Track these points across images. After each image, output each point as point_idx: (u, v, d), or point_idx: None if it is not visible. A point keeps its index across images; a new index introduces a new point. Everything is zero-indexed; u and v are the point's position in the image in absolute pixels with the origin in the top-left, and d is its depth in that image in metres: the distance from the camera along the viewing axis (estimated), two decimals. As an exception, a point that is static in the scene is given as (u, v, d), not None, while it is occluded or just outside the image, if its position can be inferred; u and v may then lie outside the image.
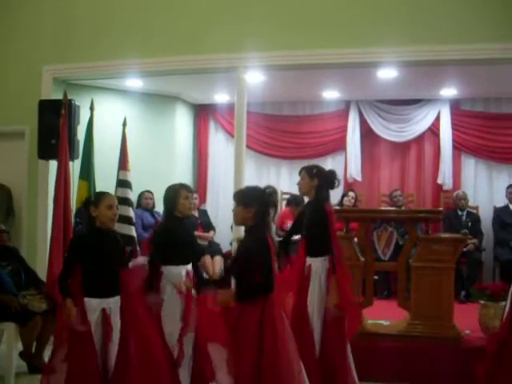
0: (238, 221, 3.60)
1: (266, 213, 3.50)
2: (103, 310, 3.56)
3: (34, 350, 5.26)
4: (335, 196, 8.02)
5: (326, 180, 4.47)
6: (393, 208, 7.56)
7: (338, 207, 7.35)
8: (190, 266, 4.20)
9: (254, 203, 3.45)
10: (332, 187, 4.51)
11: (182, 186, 4.28)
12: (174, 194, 4.24)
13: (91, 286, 3.57)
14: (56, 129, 5.92)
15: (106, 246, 3.67)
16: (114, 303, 3.61)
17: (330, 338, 4.26)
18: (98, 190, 5.76)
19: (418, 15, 5.73)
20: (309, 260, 4.41)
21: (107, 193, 3.90)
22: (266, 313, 3.35)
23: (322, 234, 4.31)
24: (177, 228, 4.20)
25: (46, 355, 5.22)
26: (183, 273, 4.13)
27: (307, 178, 4.48)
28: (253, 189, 3.61)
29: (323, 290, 4.32)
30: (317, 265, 4.35)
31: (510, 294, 3.91)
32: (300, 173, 4.57)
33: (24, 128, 6.57)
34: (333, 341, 4.26)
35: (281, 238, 7.76)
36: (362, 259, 5.49)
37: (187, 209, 4.26)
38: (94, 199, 3.77)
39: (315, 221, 4.42)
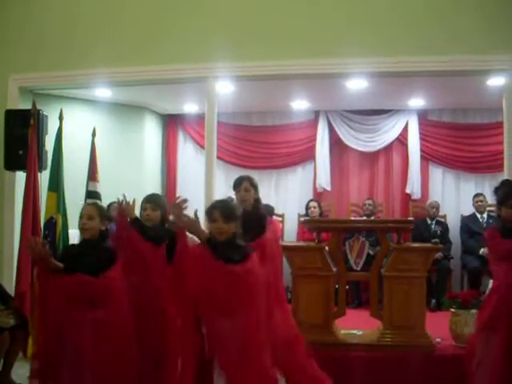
0: (226, 236, 3.50)
1: None
2: None
3: (1, 367, 5.07)
4: (302, 207, 8.07)
5: None
6: (364, 218, 7.60)
7: (306, 217, 7.39)
8: None
9: (238, 217, 3.53)
10: None
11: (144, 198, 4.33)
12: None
13: None
14: (23, 139, 5.80)
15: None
16: None
17: None
18: (67, 201, 5.66)
19: (387, 27, 5.80)
20: None
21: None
22: None
23: None
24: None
25: (14, 373, 5.10)
26: None
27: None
28: (232, 203, 3.69)
29: None
30: None
31: None
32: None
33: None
34: None
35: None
36: (335, 269, 5.49)
37: (144, 220, 4.28)
38: None
39: None
